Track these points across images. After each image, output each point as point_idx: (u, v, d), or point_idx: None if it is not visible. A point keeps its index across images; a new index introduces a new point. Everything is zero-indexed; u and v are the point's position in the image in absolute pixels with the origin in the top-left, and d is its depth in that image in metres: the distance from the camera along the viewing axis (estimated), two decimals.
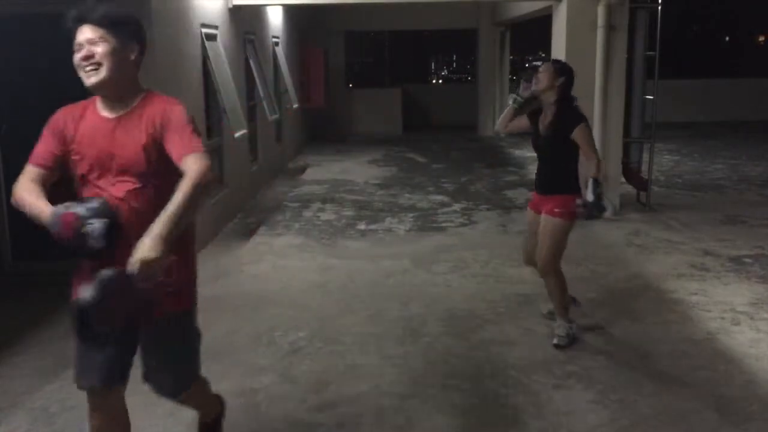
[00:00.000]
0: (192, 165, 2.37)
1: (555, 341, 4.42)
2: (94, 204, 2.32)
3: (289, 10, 12.11)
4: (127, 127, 2.47)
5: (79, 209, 2.29)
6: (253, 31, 9.27)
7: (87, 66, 2.41)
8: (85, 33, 2.42)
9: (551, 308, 4.65)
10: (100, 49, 2.40)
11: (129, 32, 2.49)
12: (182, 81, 6.33)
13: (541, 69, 4.35)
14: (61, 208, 2.30)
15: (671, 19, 11.34)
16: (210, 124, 7.43)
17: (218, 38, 7.39)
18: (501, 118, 4.60)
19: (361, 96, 16.85)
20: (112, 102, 2.50)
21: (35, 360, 4.26)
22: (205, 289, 5.55)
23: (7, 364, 4.28)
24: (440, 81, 35.94)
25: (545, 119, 4.36)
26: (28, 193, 2.42)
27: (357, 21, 15.64)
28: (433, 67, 39.01)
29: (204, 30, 6.90)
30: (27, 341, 4.48)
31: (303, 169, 11.60)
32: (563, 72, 4.32)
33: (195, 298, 2.73)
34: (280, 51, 11.09)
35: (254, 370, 4.18)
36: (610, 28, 7.65)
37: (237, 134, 7.34)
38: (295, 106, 11.56)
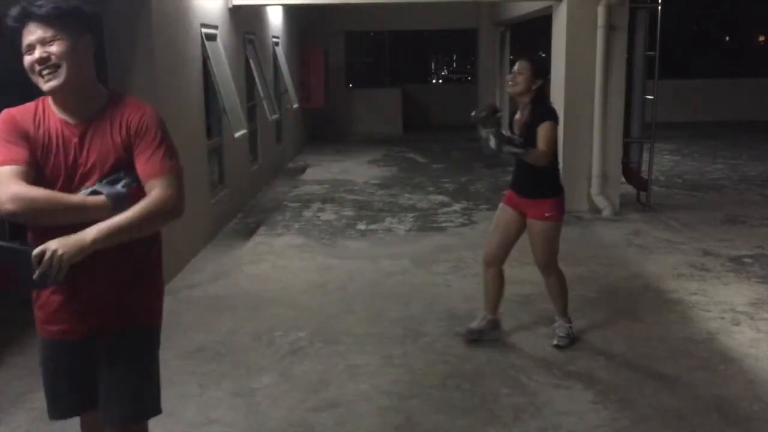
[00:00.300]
0: (155, 190, 2.17)
1: (555, 342, 4.42)
2: (125, 178, 2.20)
3: (289, 10, 12.11)
4: (98, 133, 2.22)
5: (121, 185, 2.18)
6: (253, 31, 9.27)
7: (44, 70, 2.15)
8: (35, 32, 2.14)
9: (473, 327, 4.52)
10: (55, 49, 2.14)
11: (82, 25, 2.20)
12: (182, 81, 6.33)
13: (517, 69, 4.16)
14: (109, 189, 2.15)
15: (671, 19, 11.34)
16: (210, 124, 7.43)
17: (218, 38, 7.39)
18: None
19: (361, 96, 16.84)
20: (73, 105, 2.23)
21: (35, 360, 4.24)
22: (205, 289, 5.62)
23: (7, 364, 4.28)
24: (440, 81, 35.88)
25: (520, 120, 4.26)
26: (37, 190, 2.11)
27: (357, 21, 15.64)
28: (433, 67, 38.93)
29: (204, 30, 6.90)
30: (27, 341, 4.48)
31: (303, 169, 11.60)
32: (541, 74, 4.18)
33: (158, 319, 2.48)
34: (280, 51, 11.09)
35: (254, 370, 4.18)
36: (610, 28, 7.65)
37: (237, 134, 7.34)
38: (295, 106, 11.56)
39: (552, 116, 4.15)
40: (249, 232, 7.44)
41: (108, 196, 2.14)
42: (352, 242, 7.02)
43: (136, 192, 2.19)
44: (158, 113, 2.31)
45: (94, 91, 2.28)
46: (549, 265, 4.36)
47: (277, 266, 6.25)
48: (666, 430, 3.51)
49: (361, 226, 7.63)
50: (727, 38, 29.68)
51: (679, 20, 22.40)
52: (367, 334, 4.68)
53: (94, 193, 2.15)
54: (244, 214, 8.25)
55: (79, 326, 2.32)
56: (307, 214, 8.25)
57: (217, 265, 6.25)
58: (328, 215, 8.18)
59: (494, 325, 4.55)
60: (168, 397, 3.79)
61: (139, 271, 2.36)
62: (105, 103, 2.27)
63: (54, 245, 2.01)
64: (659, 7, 7.93)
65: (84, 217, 2.11)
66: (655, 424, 3.55)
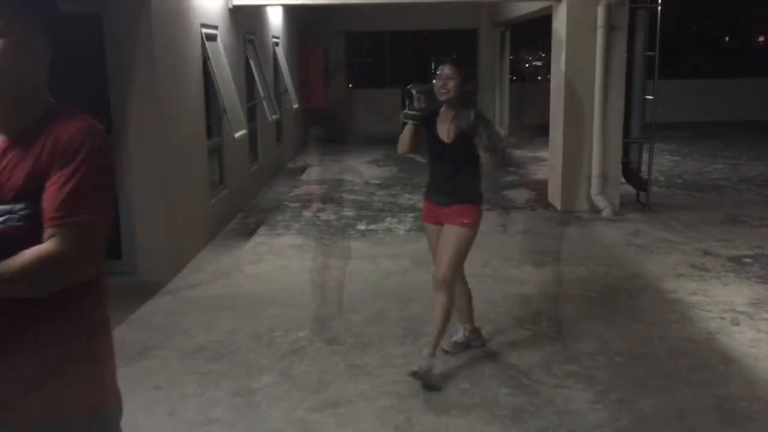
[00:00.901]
0: (50, 240, 1.58)
1: (414, 368, 3.99)
2: (19, 212, 1.62)
3: (289, 10, 12.11)
4: (22, 155, 1.65)
5: (3, 218, 1.60)
6: (253, 31, 9.27)
7: None
8: None
9: (457, 339, 4.34)
10: None
11: (39, 19, 1.69)
12: (182, 81, 6.33)
13: (445, 75, 3.92)
14: None
15: (671, 19, 11.34)
16: (210, 124, 7.44)
17: (218, 38, 7.39)
18: (402, 140, 4.12)
19: (361, 96, 16.84)
20: (2, 118, 1.70)
21: None
22: (205, 289, 5.62)
23: None
24: None
25: (450, 124, 3.99)
26: None
27: (357, 21, 15.63)
28: (433, 68, 38.97)
29: (204, 30, 6.90)
30: None
31: (303, 169, 11.60)
32: (470, 75, 3.98)
33: (103, 407, 1.77)
34: (280, 51, 11.09)
35: (254, 370, 4.18)
36: (610, 28, 7.65)
37: (237, 134, 7.33)
38: (295, 106, 11.56)
39: (489, 121, 3.95)
40: (249, 232, 7.44)
41: None
42: (352, 242, 7.02)
43: (18, 233, 1.59)
44: (100, 135, 1.68)
45: (36, 103, 1.72)
46: (452, 277, 4.00)
47: (277, 266, 6.25)
48: (666, 430, 3.51)
49: (361, 226, 7.63)
50: (727, 38, 29.65)
51: (679, 20, 22.38)
52: (367, 334, 4.68)
53: None
54: (244, 214, 8.25)
55: None
56: (307, 214, 8.26)
57: (217, 265, 6.25)
58: (328, 215, 8.18)
59: (477, 334, 4.42)
60: (168, 397, 3.81)
61: (78, 340, 1.71)
62: (41, 116, 1.70)
63: None
64: (659, 7, 7.93)
65: None
66: (655, 424, 3.55)
